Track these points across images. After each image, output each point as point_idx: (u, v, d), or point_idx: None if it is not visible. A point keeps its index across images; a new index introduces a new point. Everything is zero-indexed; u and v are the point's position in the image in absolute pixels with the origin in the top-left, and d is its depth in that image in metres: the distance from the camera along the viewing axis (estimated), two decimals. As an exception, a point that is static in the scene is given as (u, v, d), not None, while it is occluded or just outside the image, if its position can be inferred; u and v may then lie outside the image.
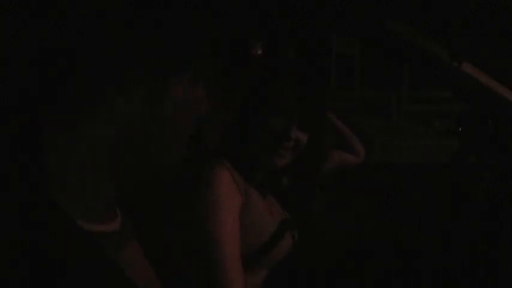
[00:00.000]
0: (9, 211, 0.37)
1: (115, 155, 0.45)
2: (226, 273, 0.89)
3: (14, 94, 0.41)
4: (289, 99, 1.01)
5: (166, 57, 0.44)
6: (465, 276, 1.36)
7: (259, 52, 1.13)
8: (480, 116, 1.35)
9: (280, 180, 1.16)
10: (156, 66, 0.44)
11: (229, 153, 1.01)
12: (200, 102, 0.50)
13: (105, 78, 0.42)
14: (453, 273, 1.39)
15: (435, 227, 1.54)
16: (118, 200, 0.51)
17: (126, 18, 0.42)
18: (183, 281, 0.94)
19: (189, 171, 0.97)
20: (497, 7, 1.19)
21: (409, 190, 1.78)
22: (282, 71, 1.04)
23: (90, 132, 0.43)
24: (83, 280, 0.38)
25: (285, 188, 1.17)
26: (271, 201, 1.11)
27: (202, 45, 0.49)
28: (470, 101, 1.30)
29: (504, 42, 1.22)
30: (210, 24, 0.48)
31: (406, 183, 1.81)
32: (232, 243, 0.91)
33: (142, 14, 0.42)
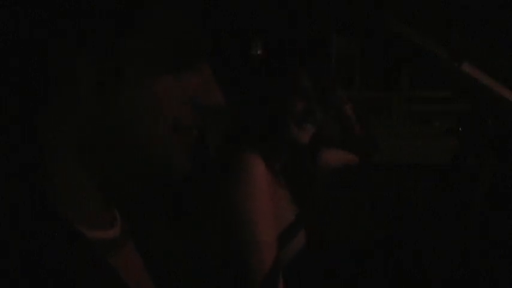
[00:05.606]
0: (8, 211, 0.37)
1: (95, 150, 0.44)
2: (266, 266, 0.88)
3: (14, 94, 0.41)
4: (305, 78, 1.02)
5: (157, 50, 0.43)
6: (465, 276, 1.36)
7: (260, 51, 1.12)
8: (480, 116, 1.35)
9: (296, 172, 1.16)
10: (144, 57, 0.42)
11: (256, 143, 1.00)
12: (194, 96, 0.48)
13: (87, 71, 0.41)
14: (453, 273, 1.39)
15: (435, 226, 1.53)
16: (117, 202, 0.51)
17: (121, 15, 0.41)
18: (182, 283, 0.94)
19: (202, 168, 0.97)
20: (498, 7, 1.19)
21: (409, 190, 1.78)
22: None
23: (68, 130, 0.42)
24: (80, 284, 0.38)
25: (301, 181, 1.17)
26: (287, 195, 1.10)
27: (200, 40, 0.48)
28: (470, 101, 1.30)
29: (504, 42, 1.22)
30: (210, 22, 0.48)
31: (406, 183, 1.81)
32: (272, 235, 0.92)
33: (139, 11, 0.42)
